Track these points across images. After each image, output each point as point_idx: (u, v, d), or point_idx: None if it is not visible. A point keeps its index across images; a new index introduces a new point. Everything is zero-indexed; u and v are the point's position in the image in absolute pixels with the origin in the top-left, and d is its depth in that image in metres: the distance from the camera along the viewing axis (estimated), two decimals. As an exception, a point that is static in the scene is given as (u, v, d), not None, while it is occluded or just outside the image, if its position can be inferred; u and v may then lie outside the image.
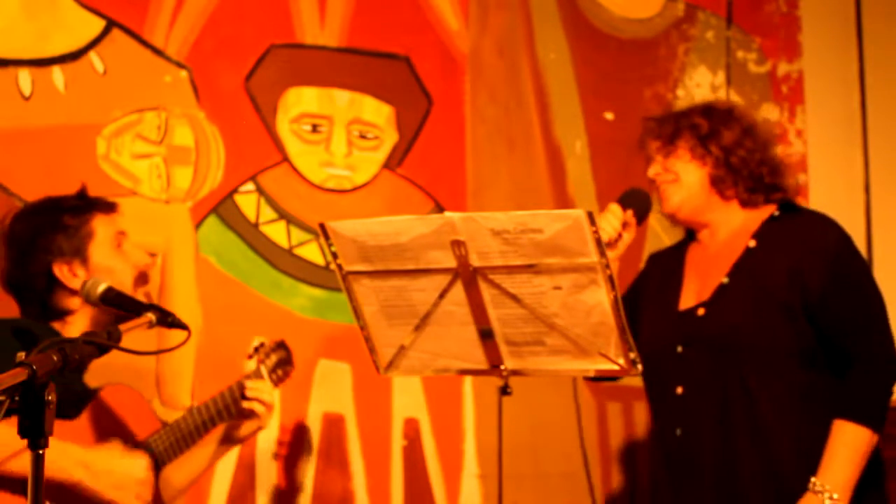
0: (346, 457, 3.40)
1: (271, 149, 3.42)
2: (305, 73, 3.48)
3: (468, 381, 3.55)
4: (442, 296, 2.44)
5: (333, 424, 3.40)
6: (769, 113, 4.12)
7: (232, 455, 3.22)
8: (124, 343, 2.06)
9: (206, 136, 3.32)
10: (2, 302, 2.76)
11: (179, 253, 3.26)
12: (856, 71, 4.26)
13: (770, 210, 2.78)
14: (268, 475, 3.30)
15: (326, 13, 3.52)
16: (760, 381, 2.64)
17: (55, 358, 1.80)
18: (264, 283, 3.36)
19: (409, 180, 3.58)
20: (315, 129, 3.47)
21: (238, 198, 3.36)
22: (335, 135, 3.49)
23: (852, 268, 2.70)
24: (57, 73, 3.15)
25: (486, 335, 2.47)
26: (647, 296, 2.91)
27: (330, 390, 3.39)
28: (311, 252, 3.43)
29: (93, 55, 3.20)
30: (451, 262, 2.38)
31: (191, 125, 3.30)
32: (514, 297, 2.38)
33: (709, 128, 2.78)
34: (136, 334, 2.17)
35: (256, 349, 2.88)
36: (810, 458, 2.60)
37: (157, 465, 2.62)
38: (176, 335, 2.36)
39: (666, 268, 2.91)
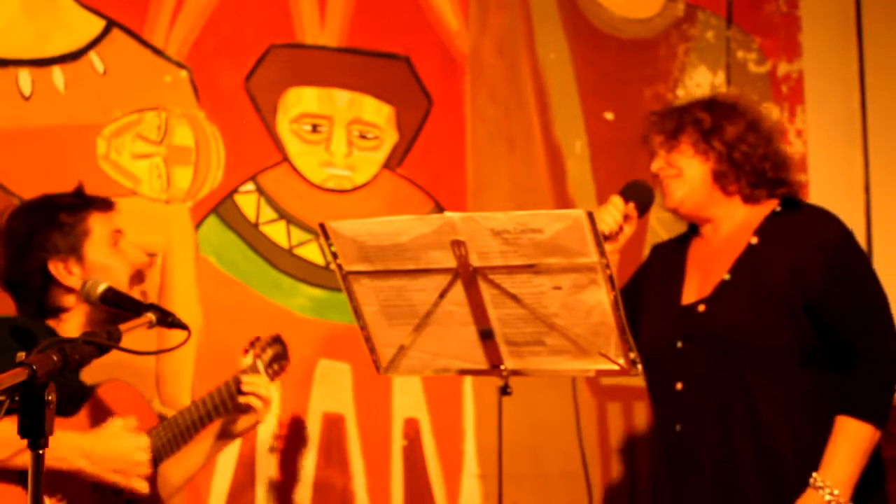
0: (346, 457, 3.40)
1: (271, 149, 3.42)
2: (305, 73, 3.48)
3: (468, 381, 3.55)
4: (442, 296, 2.44)
5: (333, 424, 3.40)
6: (769, 113, 4.12)
7: (232, 454, 3.22)
8: (124, 343, 2.07)
9: (206, 136, 3.32)
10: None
11: (179, 253, 3.26)
12: (856, 71, 4.26)
13: (772, 205, 2.77)
14: (268, 475, 3.30)
15: (326, 13, 3.52)
16: (760, 378, 2.64)
17: (55, 358, 1.80)
18: (264, 283, 3.36)
19: (409, 180, 3.58)
20: (315, 129, 3.47)
21: (238, 198, 3.36)
22: (335, 135, 3.49)
23: (854, 263, 2.70)
24: (57, 73, 3.15)
25: (486, 335, 2.47)
26: (648, 288, 2.91)
27: (330, 390, 3.39)
28: (311, 252, 3.43)
29: (93, 55, 3.20)
30: (451, 262, 2.38)
31: (191, 125, 3.30)
32: (514, 297, 2.38)
33: (711, 123, 2.77)
34: (136, 334, 2.17)
35: (252, 344, 2.87)
36: (809, 455, 2.59)
37: (155, 461, 2.62)
38: (176, 335, 2.36)
39: (669, 261, 2.90)
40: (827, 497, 2.55)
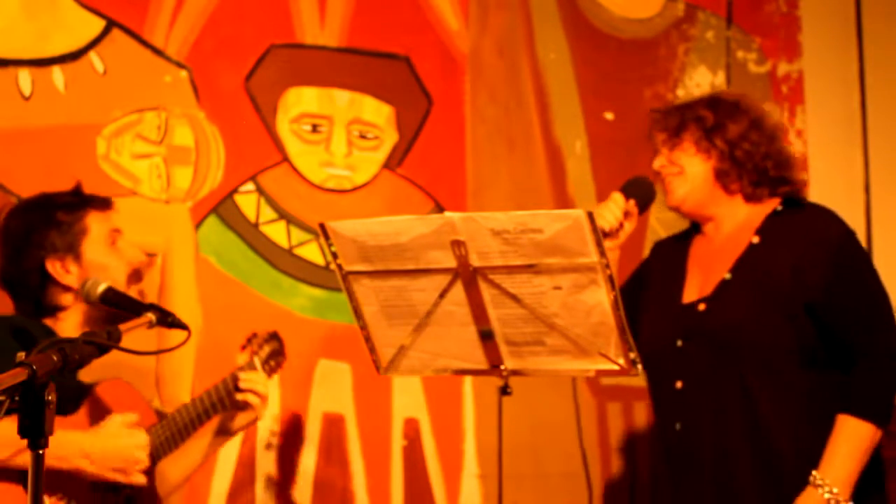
0: (346, 457, 3.40)
1: (271, 149, 3.42)
2: (305, 73, 3.48)
3: (468, 381, 3.55)
4: (442, 296, 2.44)
5: (333, 424, 3.40)
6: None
7: (232, 454, 3.22)
8: (124, 343, 2.07)
9: (206, 136, 3.32)
10: (-1, 299, 2.77)
11: (179, 253, 3.26)
12: (856, 71, 4.26)
13: (774, 204, 2.76)
14: (268, 475, 3.30)
15: (326, 13, 3.52)
16: (759, 378, 2.64)
17: (55, 358, 1.81)
18: (264, 283, 3.36)
19: (409, 180, 3.58)
20: (315, 129, 3.47)
21: (238, 198, 3.36)
22: (335, 135, 3.49)
23: (856, 262, 2.70)
24: (57, 73, 3.15)
25: (486, 335, 2.47)
26: (649, 286, 2.91)
27: (330, 390, 3.39)
28: (311, 252, 3.43)
29: (93, 55, 3.20)
30: (451, 262, 2.38)
31: (191, 125, 3.30)
32: (514, 297, 2.38)
33: (714, 121, 2.76)
34: (136, 334, 2.17)
35: (249, 340, 2.87)
36: (809, 455, 2.59)
37: (154, 459, 2.62)
38: (176, 335, 2.36)
39: (670, 259, 2.90)
40: (826, 495, 2.55)
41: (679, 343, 2.73)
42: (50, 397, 1.76)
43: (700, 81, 4.05)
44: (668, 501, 2.79)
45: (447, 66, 3.67)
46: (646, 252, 3.27)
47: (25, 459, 2.30)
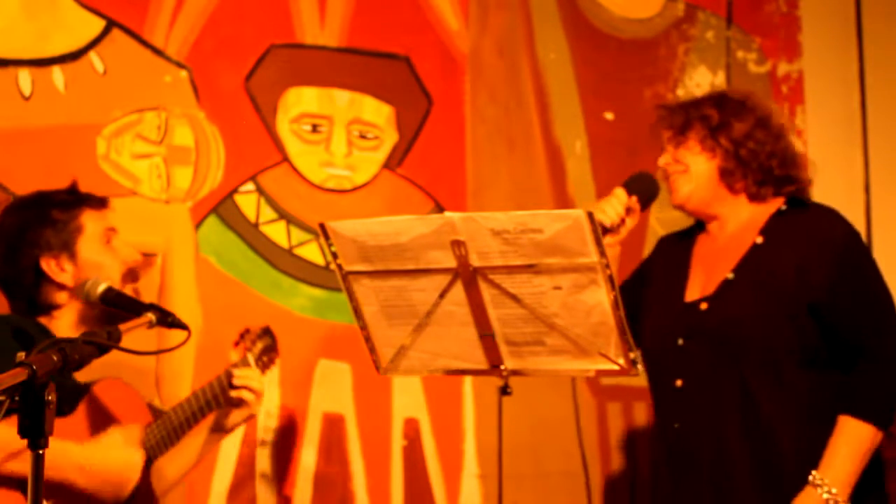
0: (346, 457, 3.40)
1: (271, 149, 3.42)
2: (305, 73, 3.48)
3: (468, 381, 3.55)
4: (442, 296, 2.43)
5: (333, 424, 3.40)
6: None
7: (232, 454, 3.22)
8: (124, 342, 2.07)
9: (206, 136, 3.32)
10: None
11: (179, 253, 3.26)
12: (856, 71, 4.26)
13: (778, 204, 2.76)
14: (268, 475, 3.30)
15: (326, 13, 3.52)
16: (759, 377, 2.63)
17: (55, 358, 1.80)
18: (264, 283, 3.36)
19: (409, 180, 3.58)
20: (315, 129, 3.47)
21: (238, 198, 3.36)
22: (335, 135, 3.49)
23: (860, 262, 2.69)
24: (57, 73, 3.15)
25: (486, 336, 2.46)
26: (652, 282, 2.90)
27: (330, 390, 3.39)
28: (311, 252, 3.43)
29: (93, 55, 3.20)
30: (451, 262, 2.38)
31: (191, 125, 3.30)
32: (514, 297, 2.38)
33: (719, 119, 2.75)
34: (136, 334, 2.17)
35: (242, 336, 2.87)
36: (808, 455, 2.59)
37: (150, 458, 2.62)
38: (176, 335, 2.36)
39: (673, 256, 2.89)
40: (825, 495, 2.54)
41: (680, 341, 2.73)
42: (50, 397, 1.76)
43: (700, 81, 4.05)
44: (668, 501, 2.79)
45: (447, 66, 3.67)
46: (646, 252, 3.26)
47: (16, 466, 2.31)
